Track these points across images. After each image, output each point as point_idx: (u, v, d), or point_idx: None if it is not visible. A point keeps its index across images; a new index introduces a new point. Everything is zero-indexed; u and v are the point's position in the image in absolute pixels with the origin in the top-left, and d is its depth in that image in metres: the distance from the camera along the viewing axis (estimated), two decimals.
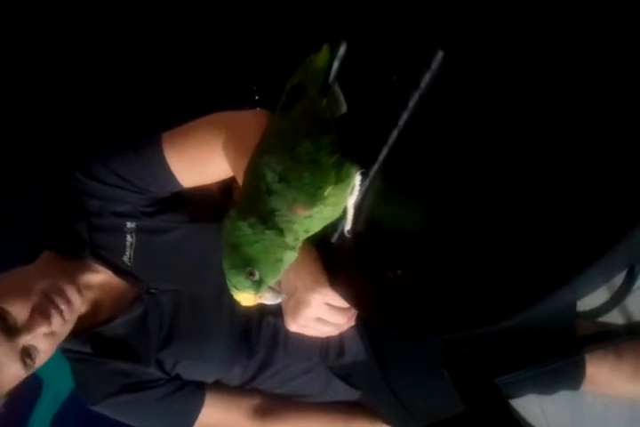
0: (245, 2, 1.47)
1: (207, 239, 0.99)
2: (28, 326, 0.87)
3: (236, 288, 0.59)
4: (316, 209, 0.58)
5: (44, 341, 0.89)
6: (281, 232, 0.58)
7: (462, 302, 0.49)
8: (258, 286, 0.59)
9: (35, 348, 0.88)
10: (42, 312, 0.88)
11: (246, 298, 0.60)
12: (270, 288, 0.61)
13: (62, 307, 0.90)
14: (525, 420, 0.52)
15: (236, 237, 0.58)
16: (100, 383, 1.00)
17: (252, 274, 0.58)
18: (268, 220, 0.57)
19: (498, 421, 0.55)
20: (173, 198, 1.00)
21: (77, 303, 0.93)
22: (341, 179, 0.60)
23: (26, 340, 0.87)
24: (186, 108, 1.01)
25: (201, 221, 1.01)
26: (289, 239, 0.59)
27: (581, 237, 0.36)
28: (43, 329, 0.87)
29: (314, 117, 0.61)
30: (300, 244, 0.62)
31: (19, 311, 0.87)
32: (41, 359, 0.90)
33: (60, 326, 0.90)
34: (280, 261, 0.60)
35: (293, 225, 0.58)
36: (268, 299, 0.62)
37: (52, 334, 0.90)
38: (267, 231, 0.57)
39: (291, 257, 0.61)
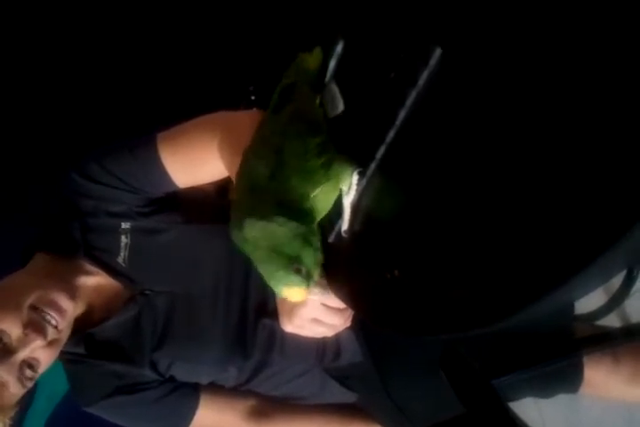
0: (242, 1, 1.47)
1: (202, 240, 0.99)
2: (23, 343, 0.87)
3: (287, 286, 0.61)
4: (304, 208, 0.59)
5: (44, 351, 0.89)
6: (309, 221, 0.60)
7: (460, 302, 0.49)
8: (307, 279, 0.61)
9: (35, 359, 0.89)
10: (35, 327, 0.88)
11: (297, 294, 0.61)
12: (318, 283, 0.63)
13: (55, 316, 0.90)
14: (524, 422, 0.52)
15: (272, 239, 0.59)
16: (94, 385, 1.00)
17: (299, 270, 0.60)
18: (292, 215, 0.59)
19: (496, 423, 0.54)
20: (169, 199, 1.00)
21: (70, 310, 0.93)
22: (330, 178, 0.60)
23: (23, 355, 0.87)
24: (182, 109, 1.00)
25: (196, 221, 1.00)
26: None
27: (580, 238, 0.36)
28: (38, 343, 0.87)
29: (304, 118, 0.61)
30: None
31: (12, 328, 0.87)
32: (42, 368, 0.91)
33: (56, 335, 0.90)
34: (317, 250, 0.62)
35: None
36: (318, 293, 0.64)
37: (49, 343, 0.90)
38: (299, 225, 0.59)
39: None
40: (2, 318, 0.87)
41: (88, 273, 1.00)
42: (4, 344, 0.86)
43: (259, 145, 0.62)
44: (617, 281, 1.05)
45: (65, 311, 0.91)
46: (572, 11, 0.37)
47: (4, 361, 0.86)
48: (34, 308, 0.89)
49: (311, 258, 0.61)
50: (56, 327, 0.90)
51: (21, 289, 0.92)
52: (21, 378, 0.88)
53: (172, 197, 1.00)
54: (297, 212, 0.59)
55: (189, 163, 0.92)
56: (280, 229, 0.59)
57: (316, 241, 0.62)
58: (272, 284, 0.61)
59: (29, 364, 0.88)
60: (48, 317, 0.89)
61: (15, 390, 0.88)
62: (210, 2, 1.56)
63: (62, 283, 0.94)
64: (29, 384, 0.90)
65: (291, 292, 0.61)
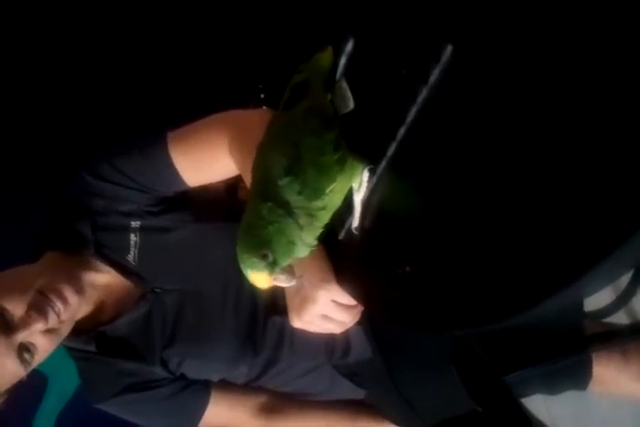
0: (251, 0, 1.47)
1: (212, 239, 0.99)
2: (24, 323, 0.87)
3: (250, 270, 0.60)
4: (319, 203, 0.59)
5: (42, 338, 0.89)
6: (300, 226, 0.60)
7: (470, 298, 0.49)
8: (272, 267, 0.60)
9: (32, 344, 0.88)
10: (38, 309, 0.88)
11: (261, 280, 0.61)
12: (285, 271, 0.62)
13: (59, 305, 0.89)
14: (536, 418, 0.52)
15: (252, 220, 0.60)
16: (105, 382, 1.00)
17: (265, 256, 0.59)
18: (287, 209, 0.59)
19: (507, 418, 0.54)
20: (178, 198, 1.00)
21: (75, 303, 0.93)
22: (345, 173, 0.60)
23: (23, 336, 0.87)
24: (191, 108, 1.01)
25: (206, 220, 1.01)
26: (307, 238, 0.61)
27: (591, 236, 0.36)
28: (39, 326, 0.87)
29: (318, 114, 0.62)
30: (316, 242, 0.63)
31: (15, 308, 0.87)
32: (39, 357, 0.90)
33: (57, 324, 0.90)
34: (293, 244, 0.61)
35: (312, 213, 0.60)
36: (283, 281, 0.63)
37: (49, 331, 0.89)
38: (288, 219, 0.59)
39: (304, 252, 0.63)
40: (8, 297, 0.87)
41: (98, 271, 1.00)
42: (5, 322, 0.86)
43: (275, 139, 0.63)
44: (625, 279, 1.04)
45: (69, 303, 0.91)
46: (582, 9, 0.37)
47: (4, 338, 0.85)
48: (41, 292, 0.89)
49: (283, 249, 0.60)
50: (58, 316, 0.89)
51: (31, 275, 0.93)
52: (20, 358, 0.87)
53: (182, 196, 1.00)
54: (290, 205, 0.59)
55: (200, 161, 0.93)
56: (264, 213, 0.59)
57: (298, 236, 0.61)
58: (241, 266, 0.61)
59: (27, 347, 0.87)
60: (52, 303, 0.89)
61: (12, 369, 0.87)
62: (219, 0, 1.57)
63: (71, 278, 0.95)
64: (26, 369, 0.89)
65: (255, 277, 0.61)
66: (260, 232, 0.59)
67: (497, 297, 0.46)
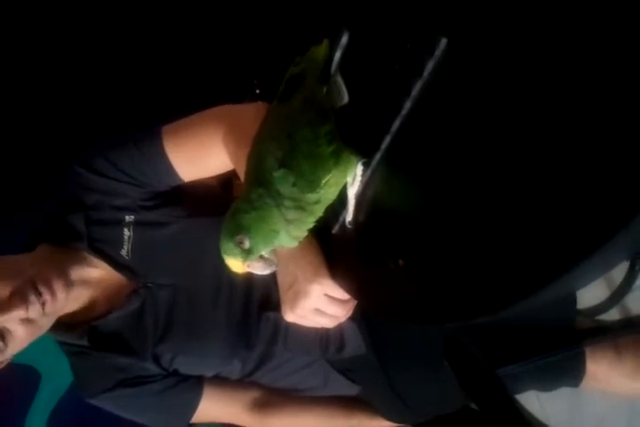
0: None
1: (205, 234, 0.99)
2: (4, 307, 0.86)
3: (226, 254, 0.60)
4: (314, 196, 0.59)
5: (20, 327, 0.88)
6: (287, 220, 0.59)
7: (464, 290, 0.49)
8: (247, 254, 0.60)
9: (8, 331, 0.87)
10: (22, 296, 0.87)
11: (235, 265, 0.61)
12: (262, 258, 0.62)
13: (46, 297, 0.89)
14: (526, 409, 0.52)
15: (239, 205, 0.59)
16: (97, 377, 1.00)
17: (241, 242, 0.59)
18: (276, 199, 0.58)
19: (501, 414, 0.54)
20: (173, 193, 1.00)
21: (62, 298, 0.92)
22: (340, 166, 0.60)
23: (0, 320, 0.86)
24: (186, 102, 1.01)
25: (200, 215, 1.01)
26: (295, 231, 0.60)
27: (583, 226, 0.36)
28: (19, 313, 0.86)
29: (313, 106, 0.61)
30: (305, 234, 0.63)
31: (0, 290, 0.87)
32: (14, 346, 0.89)
33: (38, 315, 0.89)
34: (275, 232, 0.60)
35: (304, 207, 0.59)
36: (258, 269, 0.63)
37: (28, 321, 0.88)
38: (274, 208, 0.58)
39: (291, 242, 0.62)
40: None
41: (91, 265, 1.00)
42: None
43: (270, 131, 0.63)
44: (619, 276, 1.05)
45: (57, 297, 0.90)
46: (577, 2, 0.37)
47: None
48: (31, 281, 0.88)
49: (262, 237, 0.59)
50: (43, 308, 0.88)
51: (23, 263, 0.93)
52: None
53: (177, 191, 1.00)
54: (280, 195, 0.59)
55: (194, 156, 0.93)
56: (252, 197, 0.59)
57: (283, 227, 0.60)
58: (220, 249, 0.61)
59: (1, 333, 0.86)
60: (38, 294, 0.88)
61: None
62: None
63: (61, 272, 0.94)
64: None
65: (229, 262, 0.61)
66: (241, 217, 0.59)
67: (490, 289, 0.46)
